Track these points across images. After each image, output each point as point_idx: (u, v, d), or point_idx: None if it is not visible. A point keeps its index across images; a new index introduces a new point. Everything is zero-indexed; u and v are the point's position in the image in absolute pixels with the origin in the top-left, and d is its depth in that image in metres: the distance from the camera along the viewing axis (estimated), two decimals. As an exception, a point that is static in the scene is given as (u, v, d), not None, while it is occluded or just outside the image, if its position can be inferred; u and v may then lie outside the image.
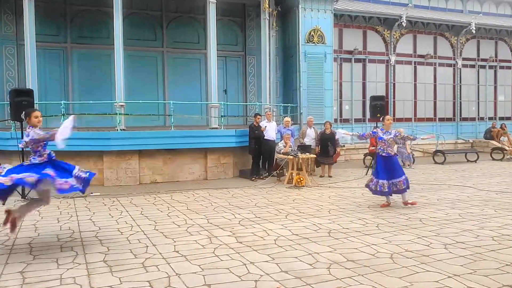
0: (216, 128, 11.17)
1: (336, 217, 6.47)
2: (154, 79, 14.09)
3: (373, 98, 11.89)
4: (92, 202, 7.87)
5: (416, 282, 3.80)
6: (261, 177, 10.54)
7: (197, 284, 3.82)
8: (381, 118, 8.98)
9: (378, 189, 7.04)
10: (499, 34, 18.94)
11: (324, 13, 14.54)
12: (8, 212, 5.00)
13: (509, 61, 19.40)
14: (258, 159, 10.83)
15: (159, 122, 13.67)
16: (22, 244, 5.18)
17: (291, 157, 9.69)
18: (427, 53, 17.49)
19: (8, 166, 4.91)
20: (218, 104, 11.41)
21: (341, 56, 16.11)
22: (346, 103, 16.37)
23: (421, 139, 8.25)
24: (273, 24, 14.16)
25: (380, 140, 7.26)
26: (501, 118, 19.00)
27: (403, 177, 7.08)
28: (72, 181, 4.87)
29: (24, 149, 5.27)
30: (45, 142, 4.96)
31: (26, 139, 4.93)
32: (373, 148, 12.10)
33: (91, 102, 11.06)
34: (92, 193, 8.59)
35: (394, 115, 17.11)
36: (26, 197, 8.06)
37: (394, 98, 17.14)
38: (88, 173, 5.19)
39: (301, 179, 9.42)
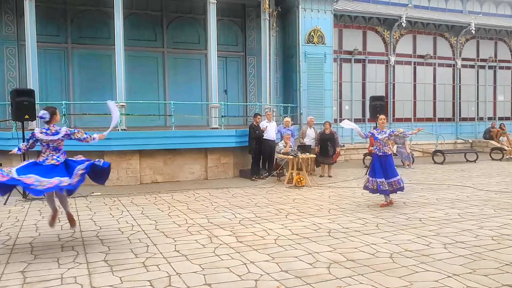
0: (217, 128, 11.18)
1: (336, 216, 6.49)
2: (155, 79, 14.11)
3: (373, 98, 11.91)
4: (93, 202, 7.89)
5: (416, 282, 3.82)
6: (261, 177, 10.56)
7: (197, 284, 3.84)
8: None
9: (378, 188, 7.06)
10: (498, 34, 18.96)
11: (324, 14, 14.56)
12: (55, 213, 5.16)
13: (508, 61, 19.42)
14: (258, 159, 10.85)
15: (159, 122, 13.69)
16: (23, 243, 5.20)
17: (291, 157, 9.71)
18: (426, 54, 17.50)
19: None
20: (219, 104, 11.43)
21: (341, 57, 16.12)
22: (346, 103, 16.39)
23: (410, 134, 8.17)
24: (273, 25, 14.18)
25: (376, 140, 7.30)
26: (501, 118, 19.02)
27: (398, 176, 7.16)
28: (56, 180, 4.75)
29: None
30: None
31: (54, 137, 4.97)
32: (372, 148, 12.12)
33: (91, 102, 11.07)
34: (93, 192, 8.61)
35: (393, 115, 17.15)
36: (27, 197, 8.09)
37: (393, 98, 17.15)
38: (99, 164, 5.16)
39: (301, 179, 9.43)
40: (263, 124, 10.82)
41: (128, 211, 7.08)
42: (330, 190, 8.99)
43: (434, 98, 17.99)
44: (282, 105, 13.93)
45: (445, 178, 10.70)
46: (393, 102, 17.16)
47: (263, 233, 5.58)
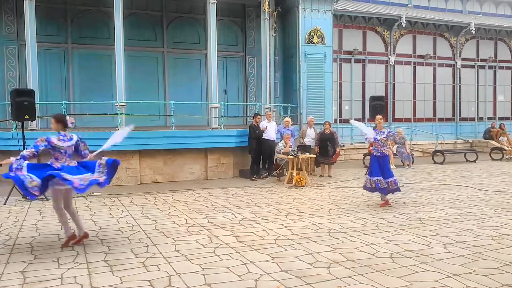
0: (217, 128, 11.19)
1: (336, 216, 6.49)
2: (155, 79, 14.12)
3: (373, 98, 11.91)
4: (93, 202, 7.89)
5: (416, 282, 3.82)
6: (261, 177, 10.56)
7: (197, 284, 3.84)
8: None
9: (376, 186, 7.10)
10: (498, 34, 18.96)
11: (324, 14, 14.56)
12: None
13: (508, 61, 19.42)
14: (258, 159, 10.86)
15: (159, 122, 13.69)
16: (23, 243, 5.20)
17: (291, 157, 9.71)
18: (426, 54, 17.50)
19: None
20: (219, 104, 11.44)
21: (341, 57, 16.12)
22: (345, 103, 16.39)
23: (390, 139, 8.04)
24: (273, 25, 14.18)
25: (375, 141, 7.32)
26: (501, 118, 19.02)
27: (394, 177, 7.22)
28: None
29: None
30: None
31: (69, 143, 5.01)
32: (371, 148, 12.12)
33: (91, 102, 11.08)
34: (93, 192, 8.60)
35: (393, 115, 17.14)
36: (27, 197, 8.07)
37: (393, 98, 17.15)
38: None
39: (301, 179, 9.44)
40: (263, 124, 10.82)
41: (128, 211, 7.08)
42: (330, 190, 8.99)
43: (434, 98, 17.99)
44: (282, 105, 13.93)
45: (445, 178, 10.70)
46: (393, 102, 17.16)
47: (263, 233, 5.58)
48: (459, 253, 4.62)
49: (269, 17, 13.15)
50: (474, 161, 14.27)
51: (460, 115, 18.51)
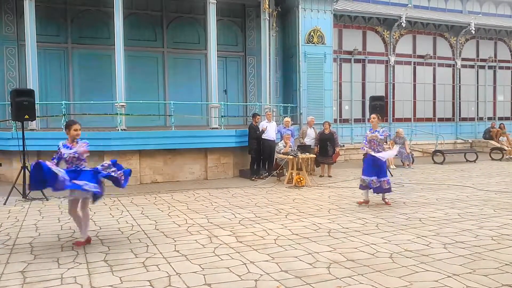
0: (216, 128, 11.19)
1: (336, 216, 6.49)
2: (155, 79, 14.12)
3: (373, 98, 11.89)
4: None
5: (416, 282, 3.82)
6: (261, 177, 10.56)
7: (197, 284, 3.84)
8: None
9: (368, 185, 7.15)
10: (498, 34, 18.96)
11: (324, 14, 14.56)
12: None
13: (508, 61, 19.42)
14: (258, 159, 10.86)
15: (159, 122, 13.69)
16: (23, 243, 5.20)
17: (291, 157, 9.71)
18: (426, 54, 17.51)
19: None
20: (218, 104, 11.44)
21: (340, 57, 16.12)
22: (345, 103, 16.39)
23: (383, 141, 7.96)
24: (273, 25, 14.18)
25: (371, 140, 7.36)
26: (500, 118, 19.03)
27: (387, 177, 7.24)
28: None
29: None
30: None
31: (68, 151, 4.99)
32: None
33: (91, 102, 11.09)
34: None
35: (393, 115, 17.15)
36: (27, 197, 8.09)
37: (393, 98, 17.15)
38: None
39: (301, 179, 9.44)
40: (263, 124, 10.82)
41: (128, 211, 7.08)
42: (330, 190, 8.99)
43: (434, 98, 17.99)
44: (282, 105, 13.93)
45: (445, 178, 10.70)
46: (393, 102, 17.16)
47: (263, 233, 5.58)
48: (459, 253, 4.62)
49: (269, 17, 13.15)
50: (474, 161, 14.27)
51: (460, 115, 18.51)
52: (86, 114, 12.08)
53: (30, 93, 8.56)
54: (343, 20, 16.04)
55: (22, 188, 8.13)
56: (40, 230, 5.84)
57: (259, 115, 11.05)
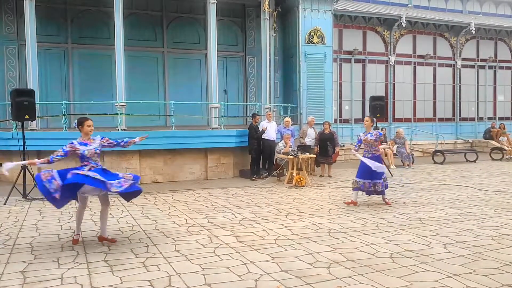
0: (217, 128, 11.19)
1: (336, 216, 6.49)
2: (155, 79, 14.12)
3: (373, 98, 11.91)
4: (93, 202, 7.84)
5: (416, 282, 3.82)
6: (261, 177, 10.56)
7: (197, 284, 3.84)
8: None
9: (360, 187, 7.15)
10: (498, 34, 18.96)
11: (324, 14, 14.56)
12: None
13: (508, 61, 19.42)
14: (258, 159, 10.86)
15: (159, 122, 13.69)
16: (23, 243, 5.20)
17: (291, 157, 9.71)
18: (426, 54, 17.50)
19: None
20: (219, 104, 11.44)
21: (341, 57, 16.12)
22: (346, 103, 16.39)
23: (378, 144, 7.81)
24: (273, 25, 14.18)
25: (360, 143, 7.37)
26: (501, 118, 19.03)
27: (383, 177, 7.20)
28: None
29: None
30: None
31: (91, 147, 5.01)
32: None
33: (92, 102, 11.08)
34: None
35: (393, 115, 17.15)
36: (27, 197, 8.08)
37: (393, 98, 17.15)
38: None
39: (301, 179, 9.44)
40: (263, 124, 10.82)
41: (128, 211, 7.08)
42: (330, 190, 8.99)
43: (434, 98, 17.99)
44: (282, 105, 13.93)
45: (445, 178, 10.70)
46: (393, 102, 17.16)
47: (263, 233, 5.58)
48: (459, 253, 4.62)
49: (269, 17, 13.15)
50: (474, 161, 14.27)
51: (460, 115, 18.51)
52: (86, 114, 12.00)
53: (30, 93, 8.56)
54: (343, 20, 16.04)
55: (22, 188, 8.13)
56: (40, 230, 5.84)
57: (258, 115, 11.05)
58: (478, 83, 18.89)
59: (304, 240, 5.22)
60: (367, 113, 14.14)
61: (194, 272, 4.14)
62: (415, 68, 17.55)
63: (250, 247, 4.95)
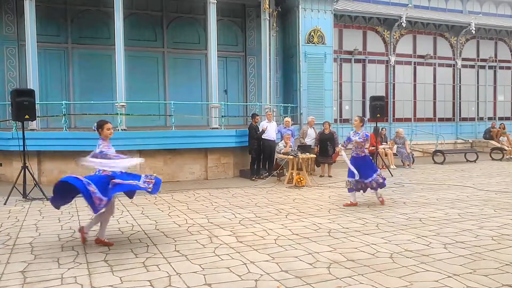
0: (217, 128, 11.19)
1: (336, 216, 6.49)
2: (155, 79, 14.12)
3: (373, 98, 11.90)
4: (92, 202, 7.87)
5: (416, 282, 3.82)
6: (261, 177, 10.56)
7: (197, 284, 3.84)
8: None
9: (353, 186, 7.16)
10: (498, 34, 18.96)
11: (324, 14, 14.57)
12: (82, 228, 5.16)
13: (508, 61, 19.42)
14: (258, 159, 10.86)
15: (159, 122, 13.69)
16: (23, 243, 5.20)
17: (291, 157, 9.71)
18: (426, 54, 17.50)
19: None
20: (219, 104, 11.44)
21: (341, 57, 16.12)
22: (346, 103, 16.39)
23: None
24: (273, 25, 14.18)
25: (349, 141, 7.36)
26: (501, 118, 19.02)
27: (374, 176, 7.14)
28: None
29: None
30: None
31: (96, 150, 5.05)
32: (372, 148, 12.12)
33: (92, 102, 11.09)
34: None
35: (393, 115, 17.15)
36: (27, 197, 8.08)
37: (393, 98, 17.15)
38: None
39: (301, 179, 9.44)
40: (263, 124, 10.82)
41: (128, 211, 7.08)
42: (330, 190, 8.99)
43: (434, 98, 17.99)
44: (282, 105, 13.93)
45: (445, 178, 10.70)
46: (393, 102, 17.16)
47: (263, 233, 5.58)
48: (459, 253, 4.62)
49: (269, 17, 13.15)
50: (474, 161, 14.27)
51: (460, 115, 18.51)
52: (86, 114, 12.09)
53: (31, 93, 8.55)
54: (343, 20, 16.04)
55: (22, 188, 8.12)
56: (40, 230, 5.84)
57: (258, 115, 11.04)
58: (478, 83, 18.89)
59: (304, 240, 5.22)
60: (367, 113, 14.13)
61: (194, 272, 4.14)
62: (415, 68, 17.55)
63: (250, 247, 4.95)
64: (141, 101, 11.54)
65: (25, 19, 10.48)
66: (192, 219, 6.45)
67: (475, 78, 18.83)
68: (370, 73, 16.70)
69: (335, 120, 15.59)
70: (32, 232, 5.76)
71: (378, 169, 7.40)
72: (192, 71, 14.44)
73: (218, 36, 11.71)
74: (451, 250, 4.72)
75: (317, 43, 14.45)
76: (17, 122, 8.95)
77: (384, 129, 13.96)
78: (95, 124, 5.24)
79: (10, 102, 8.63)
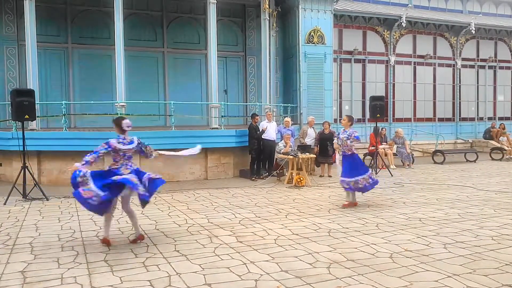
0: (217, 128, 11.19)
1: (336, 216, 6.49)
2: (155, 79, 14.11)
3: (373, 98, 11.91)
4: (92, 202, 7.88)
5: (416, 282, 3.82)
6: (261, 177, 10.56)
7: (197, 284, 3.84)
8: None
9: (348, 186, 7.14)
10: (498, 34, 18.96)
11: (324, 14, 14.56)
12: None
13: (508, 61, 19.42)
14: (258, 159, 10.86)
15: (159, 122, 13.69)
16: (23, 243, 5.20)
17: (291, 157, 9.71)
18: (426, 54, 17.50)
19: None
20: (219, 104, 11.44)
21: (341, 57, 16.12)
22: (346, 103, 16.39)
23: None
24: (273, 25, 14.18)
25: (338, 139, 7.38)
26: (501, 118, 19.02)
27: (365, 175, 7.11)
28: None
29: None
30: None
31: (130, 146, 5.26)
32: (373, 148, 12.14)
33: (92, 102, 11.08)
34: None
35: (393, 115, 17.15)
36: (27, 197, 8.08)
37: (393, 98, 17.15)
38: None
39: (301, 179, 9.44)
40: (263, 124, 10.82)
41: (128, 211, 7.07)
42: (330, 190, 8.99)
43: (434, 98, 17.99)
44: (282, 105, 13.93)
45: (445, 178, 10.70)
46: (393, 102, 17.16)
47: (263, 233, 5.58)
48: (459, 253, 4.62)
49: (269, 17, 13.15)
50: (474, 161, 14.27)
51: (460, 115, 18.51)
52: (86, 114, 12.10)
53: (30, 93, 8.55)
54: (343, 20, 16.04)
55: (22, 188, 8.12)
56: (40, 230, 5.84)
57: (258, 115, 11.04)
58: (478, 83, 18.89)
59: (304, 240, 5.22)
60: (367, 113, 14.15)
61: (194, 272, 4.14)
62: (415, 68, 17.55)
63: (250, 247, 4.95)
64: (141, 101, 11.53)
65: (25, 19, 10.48)
66: (192, 219, 6.45)
67: (475, 78, 18.83)
68: (370, 73, 16.70)
69: (335, 120, 15.58)
70: (32, 232, 5.76)
71: (369, 171, 7.29)
72: (192, 71, 14.44)
73: (218, 36, 11.71)
74: (451, 250, 4.72)
75: (317, 43, 14.45)
76: (17, 122, 8.95)
77: (384, 129, 13.96)
78: (114, 120, 5.48)
79: (10, 102, 8.64)
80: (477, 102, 18.97)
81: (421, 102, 17.74)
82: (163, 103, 13.46)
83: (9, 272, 4.18)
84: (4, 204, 7.69)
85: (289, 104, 14.10)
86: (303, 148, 10.38)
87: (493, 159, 14.86)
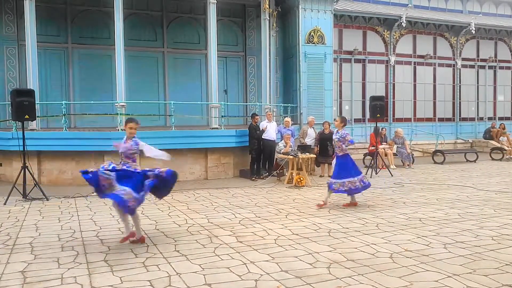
0: (217, 128, 11.19)
1: (336, 216, 6.49)
2: (155, 79, 14.11)
3: (373, 98, 11.91)
4: (93, 202, 7.89)
5: (416, 282, 3.82)
6: (261, 177, 10.56)
7: (197, 284, 3.84)
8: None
9: (339, 188, 7.15)
10: (498, 34, 18.96)
11: (324, 14, 14.56)
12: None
13: (508, 61, 19.42)
14: (258, 159, 10.86)
15: (159, 122, 13.68)
16: (23, 243, 5.20)
17: (291, 157, 9.71)
18: (426, 54, 17.50)
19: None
20: (219, 104, 11.44)
21: (341, 57, 16.12)
22: (346, 103, 16.39)
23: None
24: (273, 25, 14.18)
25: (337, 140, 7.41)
26: (501, 118, 19.02)
27: (353, 178, 7.10)
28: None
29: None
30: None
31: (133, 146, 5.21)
32: (373, 148, 12.14)
33: (92, 102, 11.08)
34: (93, 192, 8.59)
35: (393, 115, 17.15)
36: (27, 197, 8.08)
37: (393, 98, 17.15)
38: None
39: (301, 179, 9.44)
40: (263, 124, 10.82)
41: (128, 211, 7.07)
42: (330, 190, 8.97)
43: (434, 98, 17.99)
44: (282, 105, 13.93)
45: (445, 178, 10.70)
46: (393, 102, 17.16)
47: (263, 233, 5.58)
48: (459, 253, 4.62)
49: (269, 17, 13.15)
50: (474, 161, 14.27)
51: (460, 115, 18.51)
52: (86, 114, 12.09)
53: (30, 93, 8.55)
54: (343, 20, 16.04)
55: (22, 188, 8.13)
56: (40, 230, 5.84)
57: (258, 115, 11.04)
58: (478, 83, 18.89)
59: (304, 240, 5.22)
60: (367, 113, 14.14)
61: (194, 272, 4.14)
62: (415, 68, 17.55)
63: (250, 247, 4.95)
64: (141, 101, 11.53)
65: (25, 19, 10.48)
66: (192, 219, 6.45)
67: (475, 78, 18.83)
68: (370, 73, 16.70)
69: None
70: (32, 232, 5.76)
71: (360, 174, 7.25)
72: (192, 71, 14.44)
73: (218, 36, 11.71)
74: (451, 250, 4.72)
75: (317, 43, 14.45)
76: (17, 122, 8.95)
77: (384, 129, 13.96)
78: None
79: (10, 102, 8.63)
80: (477, 102, 18.97)
81: (421, 102, 17.74)
82: (163, 103, 13.46)
83: (9, 272, 4.18)
84: (4, 204, 7.69)
85: (289, 104, 14.10)
86: (303, 148, 10.38)
87: (493, 159, 14.86)
